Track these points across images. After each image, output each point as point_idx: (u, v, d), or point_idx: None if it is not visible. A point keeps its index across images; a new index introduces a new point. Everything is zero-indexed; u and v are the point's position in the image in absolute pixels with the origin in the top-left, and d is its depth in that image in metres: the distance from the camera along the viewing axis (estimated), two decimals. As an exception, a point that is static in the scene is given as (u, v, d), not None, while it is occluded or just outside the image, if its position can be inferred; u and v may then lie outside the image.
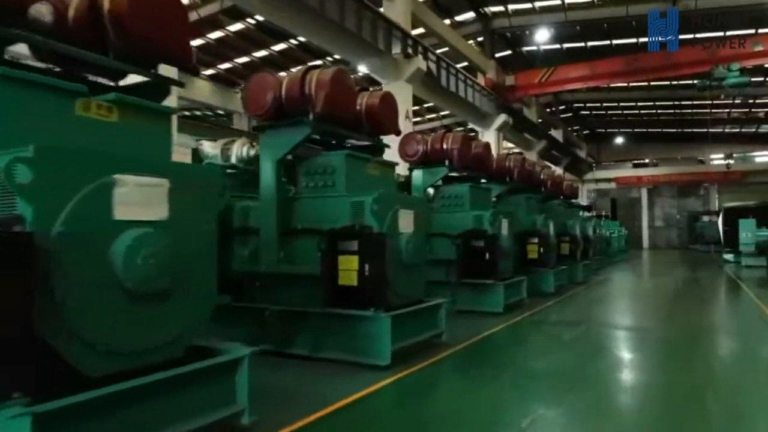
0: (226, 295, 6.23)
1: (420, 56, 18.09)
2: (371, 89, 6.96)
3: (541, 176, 14.15)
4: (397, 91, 17.51)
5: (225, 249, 6.46)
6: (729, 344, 7.35)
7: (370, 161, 6.31)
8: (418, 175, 9.66)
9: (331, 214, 5.89)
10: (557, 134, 36.38)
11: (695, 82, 23.11)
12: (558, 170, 37.19)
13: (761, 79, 29.56)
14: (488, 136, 24.23)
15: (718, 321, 9.21)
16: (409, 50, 17.70)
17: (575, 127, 45.13)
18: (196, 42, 22.99)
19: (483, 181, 10.89)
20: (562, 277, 12.68)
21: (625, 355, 6.57)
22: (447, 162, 9.35)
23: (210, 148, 7.32)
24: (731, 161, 37.21)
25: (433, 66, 19.31)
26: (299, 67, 6.14)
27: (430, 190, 9.94)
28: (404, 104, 17.22)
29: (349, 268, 5.42)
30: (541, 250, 11.48)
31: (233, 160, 7.06)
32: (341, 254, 5.48)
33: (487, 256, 8.86)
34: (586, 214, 25.36)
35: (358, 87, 6.74)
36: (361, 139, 6.79)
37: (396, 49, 17.17)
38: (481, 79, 24.54)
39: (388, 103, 6.68)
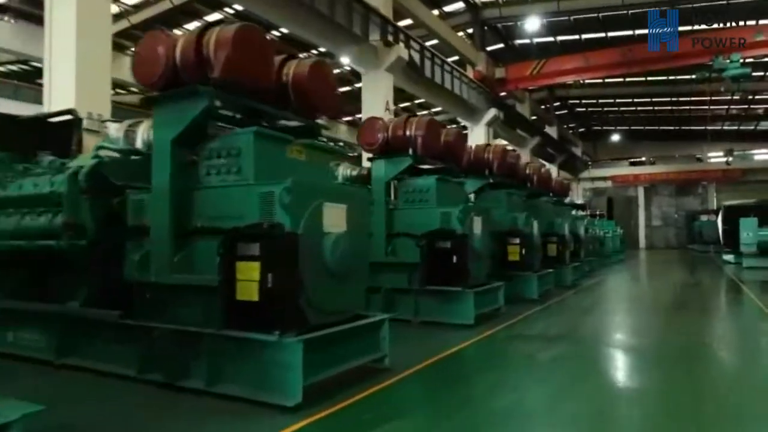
0: (112, 311, 4.94)
1: (401, 44, 16.76)
2: (303, 57, 5.62)
3: (527, 171, 12.83)
4: (377, 81, 16.48)
5: (116, 252, 5.17)
6: (741, 372, 6.02)
7: (291, 143, 4.98)
8: (378, 166, 8.35)
9: (236, 209, 4.57)
10: (552, 131, 35.06)
11: (694, 76, 21.82)
12: (552, 168, 35.93)
13: (761, 74, 28.23)
14: (478, 131, 22.99)
15: (724, 338, 7.80)
16: (389, 37, 16.37)
17: (571, 125, 43.79)
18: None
19: (457, 174, 9.58)
20: (548, 281, 11.35)
21: (612, 386, 5.25)
22: (411, 151, 8.04)
23: (114, 130, 5.99)
24: (731, 158, 35.69)
25: (416, 55, 17.97)
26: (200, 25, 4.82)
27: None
28: (384, 95, 15.83)
29: (249, 278, 4.11)
30: (523, 251, 10.16)
31: (138, 144, 5.70)
32: (241, 260, 4.16)
33: (455, 259, 7.53)
34: (580, 212, 24.09)
35: (284, 55, 5.43)
36: (288, 118, 5.48)
37: (374, 36, 15.84)
38: (470, 72, 23.21)
39: (320, 75, 5.35)
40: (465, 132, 9.57)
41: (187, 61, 4.60)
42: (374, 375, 5.07)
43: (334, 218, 4.77)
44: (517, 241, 10.23)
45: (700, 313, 9.77)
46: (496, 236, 10.29)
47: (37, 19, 13.96)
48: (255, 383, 4.22)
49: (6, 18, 17.63)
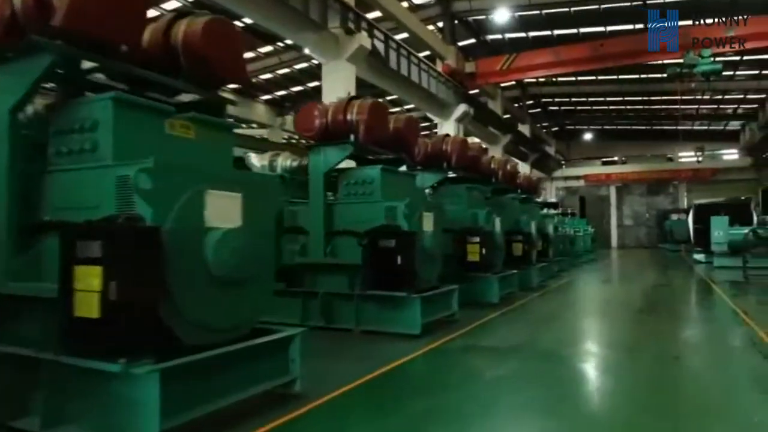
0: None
1: (364, 33, 15.76)
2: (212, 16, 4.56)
3: (492, 165, 11.92)
4: (338, 72, 15.41)
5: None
6: (725, 397, 5.15)
7: (172, 115, 3.93)
8: (316, 155, 7.33)
9: (90, 198, 3.53)
10: (525, 129, 34.34)
11: (665, 74, 21.25)
12: (525, 166, 35.29)
13: (731, 73, 27.85)
14: (447, 127, 22.02)
15: (701, 348, 6.92)
16: (351, 25, 15.35)
17: (544, 124, 43.27)
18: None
19: (410, 165, 8.63)
20: (511, 283, 10.44)
21: (569, 416, 4.31)
22: (352, 137, 7.03)
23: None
24: (701, 155, 35.30)
25: (380, 45, 16.99)
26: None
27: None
28: (346, 86, 14.64)
29: (89, 288, 3.06)
30: (484, 251, 9.23)
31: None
32: (79, 264, 3.11)
33: (399, 260, 6.55)
34: (552, 211, 23.43)
35: (172, 13, 4.39)
36: (181, 89, 4.43)
37: (334, 23, 14.80)
38: (439, 66, 22.30)
39: (218, 35, 4.31)
40: (418, 119, 8.50)
41: (27, 6, 3.53)
42: (281, 404, 4.07)
43: (223, 210, 3.75)
44: (477, 239, 9.30)
45: (671, 319, 8.93)
46: (455, 234, 9.40)
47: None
48: (101, 426, 3.18)
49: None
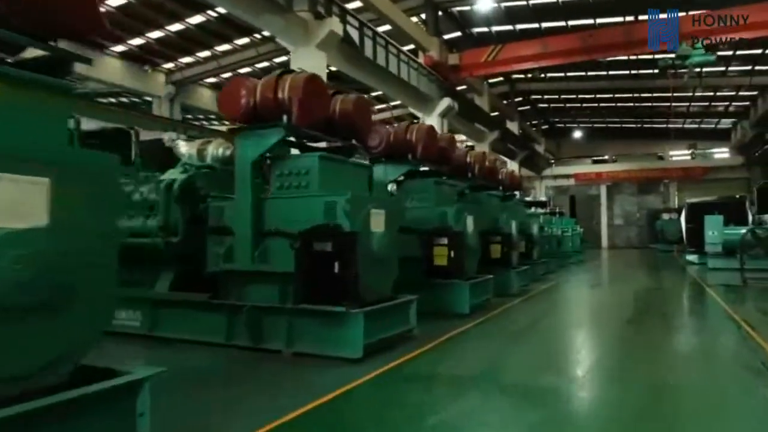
0: None
1: (335, 17, 14.50)
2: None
3: (468, 158, 10.69)
4: (308, 59, 14.03)
5: None
6: None
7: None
8: (243, 140, 6.06)
9: None
10: (513, 126, 33.21)
11: (657, 61, 20.11)
12: (513, 164, 34.18)
13: (723, 68, 26.78)
14: (430, 122, 20.66)
15: (702, 375, 5.44)
16: (320, 8, 14.09)
17: (534, 122, 42.17)
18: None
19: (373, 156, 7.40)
20: (485, 289, 9.18)
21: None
22: (285, 120, 5.77)
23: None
24: (693, 151, 33.92)
25: (354, 33, 15.72)
26: None
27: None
28: (319, 72, 13.27)
29: None
30: (452, 254, 8.02)
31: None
32: None
33: (337, 267, 5.31)
34: (540, 210, 22.22)
35: None
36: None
37: (301, 6, 13.54)
38: (421, 58, 21.05)
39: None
40: (372, 101, 7.20)
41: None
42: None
43: (12, 202, 2.49)
44: (445, 241, 8.09)
45: (664, 333, 7.70)
46: (421, 235, 8.18)
47: None
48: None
49: None
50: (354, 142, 6.80)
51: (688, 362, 6.07)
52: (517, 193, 14.27)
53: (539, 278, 14.00)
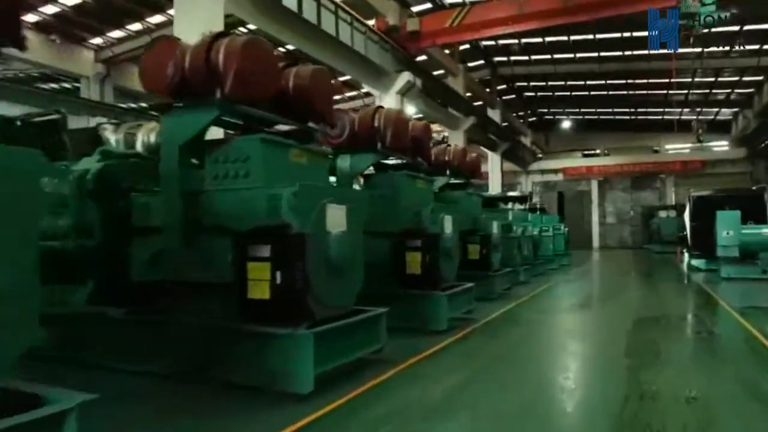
0: None
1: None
2: None
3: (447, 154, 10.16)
4: (195, 3, 11.34)
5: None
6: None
7: None
8: (169, 121, 5.45)
9: None
10: (495, 115, 32.99)
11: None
12: (495, 157, 34.08)
13: (726, 48, 26.96)
14: (388, 102, 19.24)
15: None
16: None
17: (520, 113, 42.15)
18: None
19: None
20: (464, 301, 8.65)
21: None
22: (218, 95, 5.16)
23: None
24: (701, 132, 33.11)
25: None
26: None
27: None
28: (205, 22, 10.57)
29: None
30: (428, 259, 7.52)
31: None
32: None
33: (280, 277, 4.74)
34: (518, 206, 21.03)
35: None
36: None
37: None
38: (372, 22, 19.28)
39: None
40: (329, 73, 6.54)
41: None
42: None
43: None
44: (418, 244, 7.61)
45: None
46: (391, 239, 7.69)
47: None
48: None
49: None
50: (312, 125, 6.24)
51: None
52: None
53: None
